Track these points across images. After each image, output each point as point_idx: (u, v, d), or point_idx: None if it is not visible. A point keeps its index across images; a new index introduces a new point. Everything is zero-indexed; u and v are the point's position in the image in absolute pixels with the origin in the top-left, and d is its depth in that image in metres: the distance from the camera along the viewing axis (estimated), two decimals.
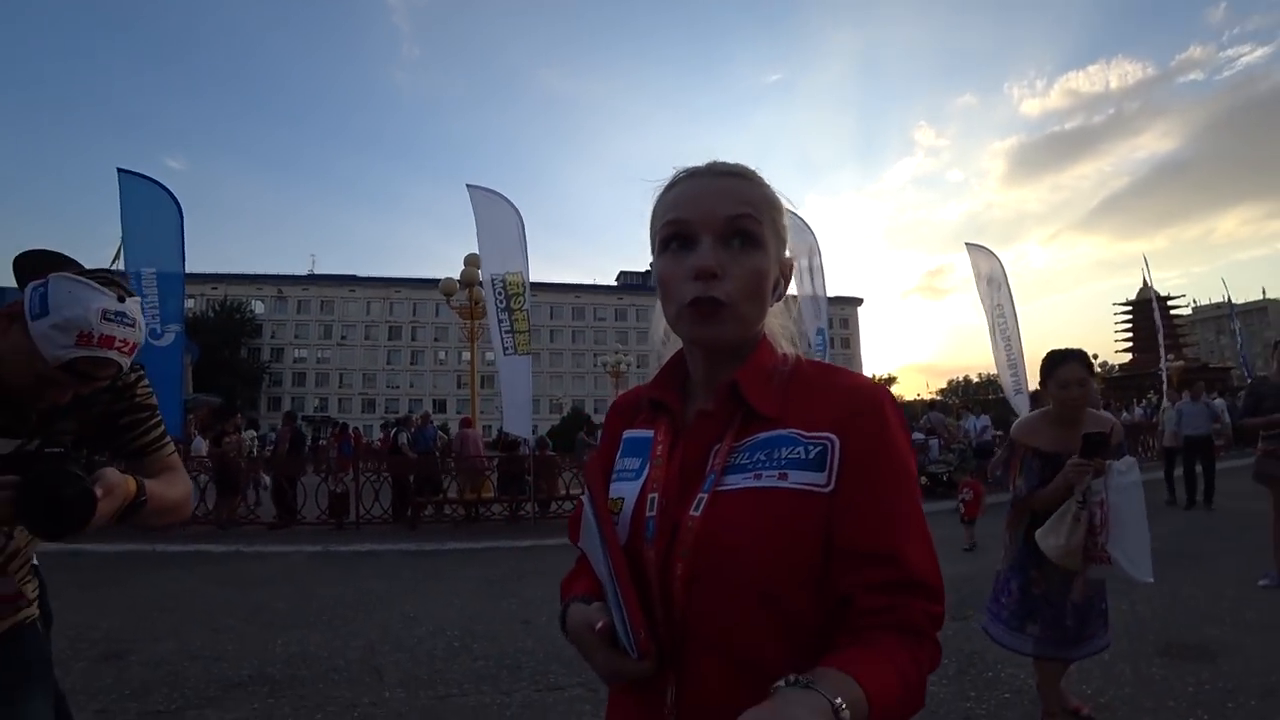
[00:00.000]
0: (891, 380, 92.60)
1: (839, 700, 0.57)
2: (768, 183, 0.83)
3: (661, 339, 0.91)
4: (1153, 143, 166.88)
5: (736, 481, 0.74)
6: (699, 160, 0.84)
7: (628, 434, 0.90)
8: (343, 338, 72.30)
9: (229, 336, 62.27)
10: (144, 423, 1.35)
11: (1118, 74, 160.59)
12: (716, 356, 0.82)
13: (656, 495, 0.78)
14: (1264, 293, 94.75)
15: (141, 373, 1.37)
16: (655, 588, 0.74)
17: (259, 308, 70.18)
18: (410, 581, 6.26)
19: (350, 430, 18.90)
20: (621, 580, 0.71)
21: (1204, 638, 3.84)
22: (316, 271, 74.77)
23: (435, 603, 5.36)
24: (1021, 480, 2.75)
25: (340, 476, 10.48)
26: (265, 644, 4.35)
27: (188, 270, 9.74)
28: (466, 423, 12.29)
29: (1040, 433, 2.76)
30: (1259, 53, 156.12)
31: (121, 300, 1.14)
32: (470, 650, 4.18)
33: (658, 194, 0.84)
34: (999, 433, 13.17)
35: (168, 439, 1.41)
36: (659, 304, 0.85)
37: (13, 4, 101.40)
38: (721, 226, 0.77)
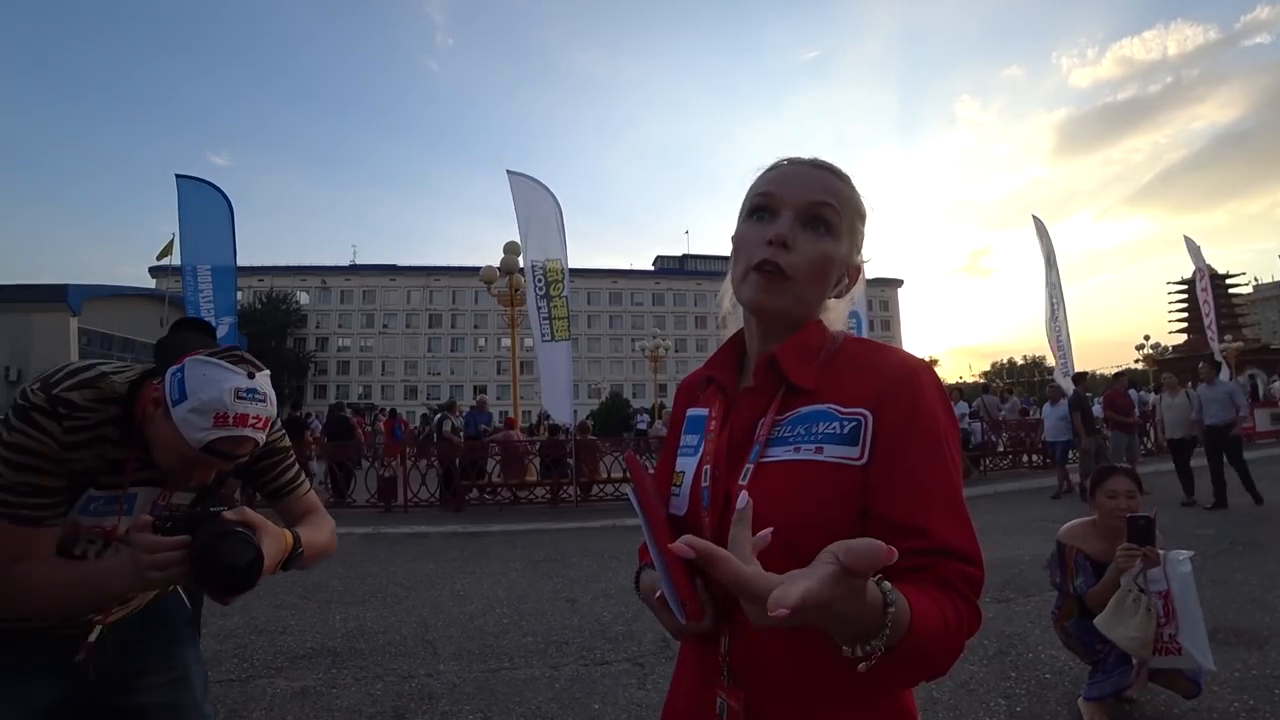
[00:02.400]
0: (934, 362, 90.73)
1: (889, 590, 0.61)
2: (859, 190, 0.90)
3: (728, 309, 0.98)
4: (1213, 112, 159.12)
5: (778, 454, 0.81)
6: (790, 152, 0.91)
7: (690, 411, 0.98)
8: (385, 326, 73.84)
9: (276, 327, 64.12)
10: (278, 464, 1.43)
11: (1176, 39, 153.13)
12: (769, 329, 0.88)
13: (709, 468, 0.86)
14: None
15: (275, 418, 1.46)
16: None
17: (304, 299, 72.06)
18: (458, 561, 6.48)
19: (399, 416, 19.40)
20: (667, 555, 0.78)
21: (1255, 624, 3.78)
22: (358, 262, 76.42)
23: (484, 581, 5.55)
24: (1080, 580, 2.83)
25: (389, 461, 10.84)
26: (325, 619, 4.59)
27: (237, 264, 10.14)
28: (509, 423, 12.58)
29: (1087, 542, 2.86)
30: None
31: (251, 376, 1.16)
32: (519, 626, 4.35)
33: (758, 173, 0.92)
34: (975, 422, 12.87)
35: (303, 479, 1.49)
36: (728, 275, 0.92)
37: (71, 21, 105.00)
38: (804, 208, 0.84)
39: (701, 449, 0.89)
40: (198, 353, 1.14)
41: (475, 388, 58.66)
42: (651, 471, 1.00)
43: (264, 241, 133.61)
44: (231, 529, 1.09)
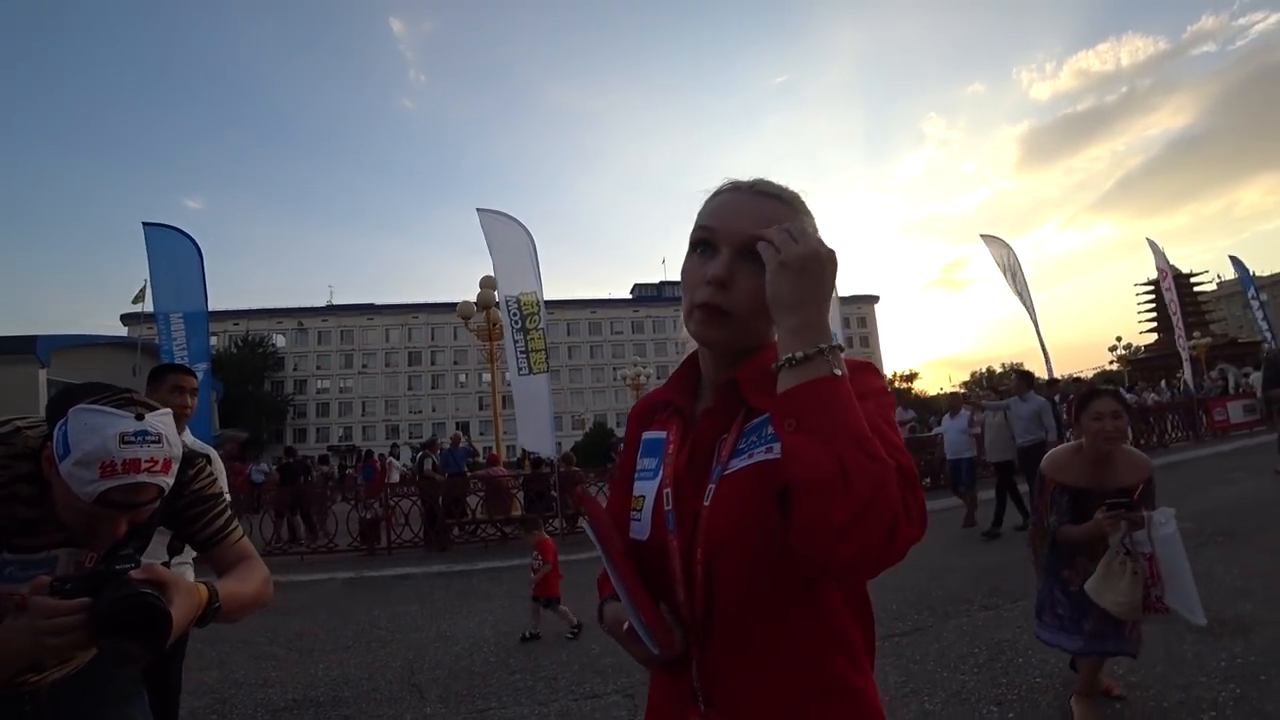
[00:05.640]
0: (913, 376, 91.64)
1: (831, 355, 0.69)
2: (810, 212, 0.89)
3: (685, 337, 0.96)
4: (1167, 119, 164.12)
5: (736, 465, 0.81)
6: (738, 175, 0.90)
7: (646, 435, 0.97)
8: (364, 366, 73.18)
9: (252, 371, 63.37)
10: (205, 514, 1.36)
11: (1129, 51, 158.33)
12: (722, 357, 0.88)
13: (670, 490, 0.86)
14: None
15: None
16: (679, 574, 0.82)
17: (280, 341, 71.35)
18: (444, 602, 6.36)
19: (376, 457, 19.12)
20: (630, 585, 0.79)
21: (1238, 613, 3.82)
22: (335, 302, 76.01)
23: (470, 621, 5.45)
24: (1053, 516, 2.83)
25: (370, 503, 10.67)
26: (307, 669, 4.47)
27: (210, 308, 10.05)
28: (493, 459, 12.45)
29: (1071, 468, 2.83)
30: (1273, 19, 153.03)
31: (140, 418, 1.09)
32: (507, 664, 4.26)
33: (705, 199, 0.90)
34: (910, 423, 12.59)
35: (234, 527, 1.40)
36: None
37: (39, 65, 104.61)
38: (742, 242, 0.81)
39: (661, 472, 0.89)
40: (81, 401, 1.08)
41: (458, 424, 58.10)
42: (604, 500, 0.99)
43: (239, 284, 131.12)
44: (136, 589, 1.00)
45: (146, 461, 1.08)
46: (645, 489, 0.90)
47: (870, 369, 0.83)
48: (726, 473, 0.81)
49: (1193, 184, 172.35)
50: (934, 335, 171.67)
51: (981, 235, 14.72)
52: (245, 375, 60.48)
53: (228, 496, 2.80)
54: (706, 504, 0.81)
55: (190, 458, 1.33)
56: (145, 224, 9.73)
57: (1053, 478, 2.85)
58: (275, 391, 67.81)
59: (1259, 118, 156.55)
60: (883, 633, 4.17)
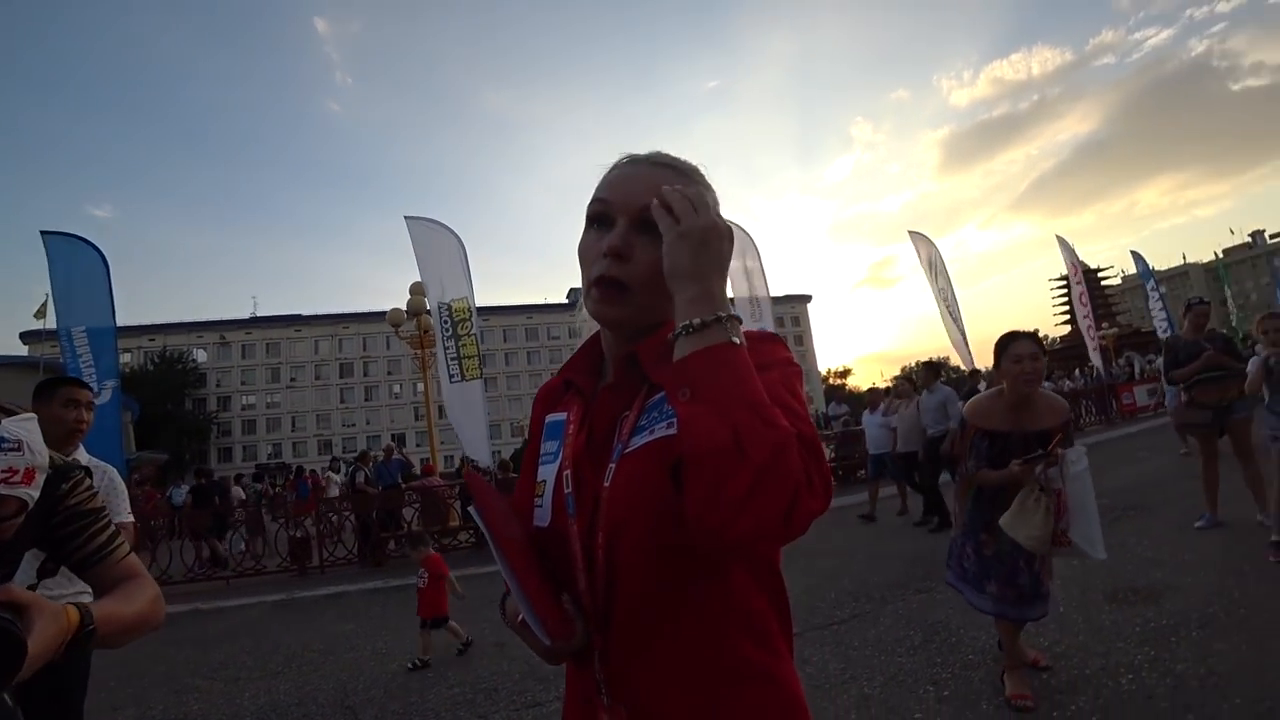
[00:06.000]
0: (847, 372, 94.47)
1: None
2: (709, 185, 0.86)
3: (585, 318, 0.94)
4: (1074, 125, 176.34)
5: (637, 442, 0.78)
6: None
7: (549, 418, 0.93)
8: (292, 380, 70.31)
9: (171, 389, 60.03)
10: (83, 531, 1.25)
11: (1039, 61, 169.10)
12: (623, 334, 0.84)
13: (569, 472, 0.81)
14: (1184, 258, 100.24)
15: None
16: (580, 559, 0.77)
17: (201, 356, 67.84)
18: (379, 619, 6.13)
19: (307, 474, 18.37)
20: (519, 573, 0.73)
21: (1150, 580, 4.04)
22: (259, 314, 72.69)
23: (407, 637, 5.25)
24: (971, 460, 2.89)
25: (300, 521, 10.21)
26: (232, 699, 4.21)
27: (122, 323, 9.46)
28: (429, 469, 12.18)
29: (993, 413, 2.88)
30: (1164, 34, 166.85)
31: None
32: (446, 679, 4.12)
33: (602, 173, 0.87)
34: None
35: (118, 543, 1.28)
36: None
37: None
38: (638, 212, 0.78)
39: (561, 454, 0.85)
40: None
41: (393, 436, 56.47)
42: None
43: (154, 297, 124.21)
44: None
45: (3, 471, 0.98)
46: (546, 473, 0.86)
47: (774, 339, 0.81)
48: (627, 451, 0.77)
49: (1098, 185, 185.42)
50: (865, 332, 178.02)
51: (909, 232, 15.25)
52: (163, 393, 57.23)
53: (130, 517, 2.60)
54: (607, 485, 0.77)
55: (65, 470, 1.21)
56: (44, 233, 9.11)
57: (974, 423, 2.90)
58: (197, 409, 64.44)
59: (1154, 125, 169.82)
60: (822, 621, 4.24)
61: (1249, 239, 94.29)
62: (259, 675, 4.67)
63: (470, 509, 0.80)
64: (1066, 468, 2.68)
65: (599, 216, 0.82)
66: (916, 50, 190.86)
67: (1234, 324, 37.42)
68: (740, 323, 0.69)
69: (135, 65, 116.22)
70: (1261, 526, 4.76)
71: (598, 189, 0.84)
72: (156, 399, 53.02)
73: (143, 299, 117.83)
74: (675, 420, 0.70)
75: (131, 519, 2.67)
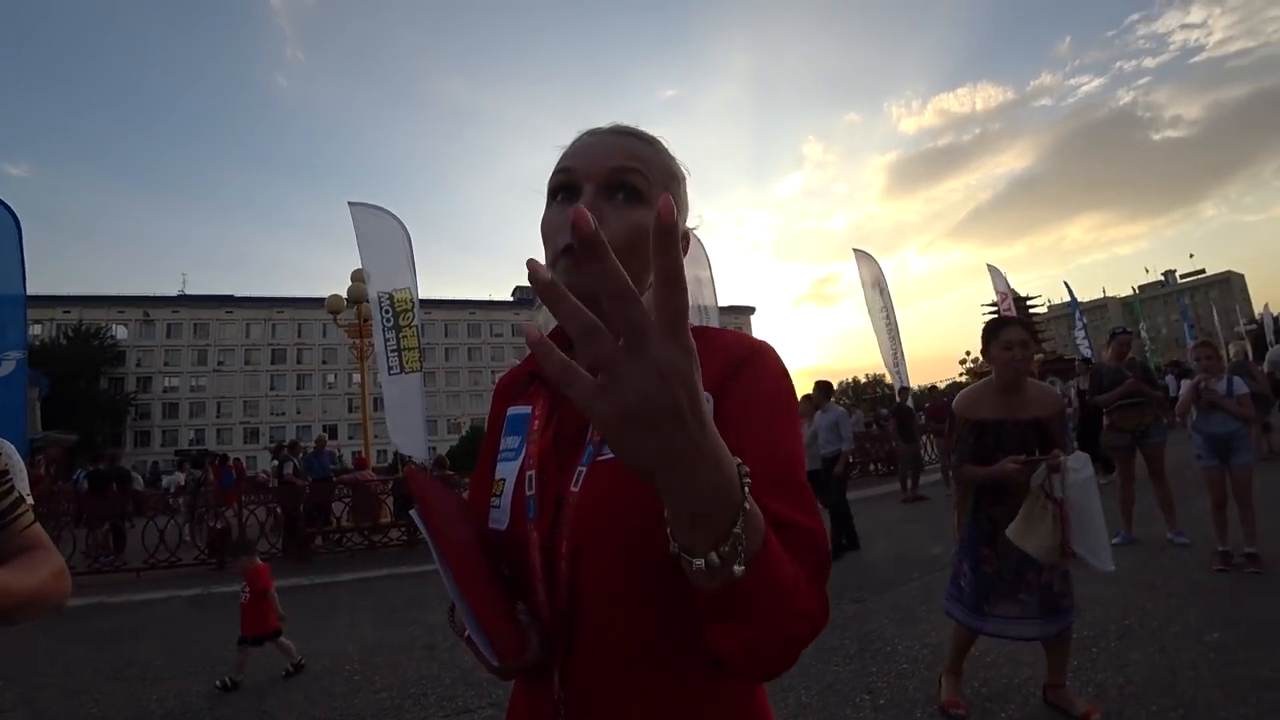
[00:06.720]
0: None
1: (745, 471, 0.51)
2: (674, 155, 0.81)
3: (548, 318, 0.86)
4: (1012, 160, 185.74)
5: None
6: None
7: (511, 411, 0.85)
8: (220, 363, 67.11)
9: (86, 366, 56.36)
10: None
11: (983, 96, 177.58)
12: (598, 311, 0.77)
13: (533, 473, 0.74)
14: (1104, 291, 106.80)
15: None
16: (539, 569, 0.70)
17: (121, 333, 64.07)
18: (303, 618, 5.84)
19: (231, 461, 17.53)
20: (463, 584, 0.65)
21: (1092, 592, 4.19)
22: (188, 291, 69.18)
23: (331, 637, 5.04)
24: (955, 455, 2.79)
25: (221, 512, 9.72)
26: (137, 701, 3.94)
27: (33, 292, 8.80)
28: (361, 462, 11.82)
29: (982, 403, 2.77)
30: (1096, 83, 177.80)
31: None
32: (371, 682, 3.96)
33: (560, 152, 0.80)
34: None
35: (21, 510, 1.14)
36: None
37: None
38: (605, 176, 0.74)
39: (524, 452, 0.77)
40: None
41: (325, 427, 54.48)
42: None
43: (73, 267, 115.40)
44: None
45: None
46: (506, 471, 0.78)
47: (770, 355, 0.75)
48: (601, 457, 0.70)
49: (1030, 219, 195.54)
50: (805, 347, 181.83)
51: (855, 250, 15.61)
52: (78, 370, 53.69)
53: (29, 498, 2.38)
54: (575, 490, 0.70)
55: None
56: None
57: (964, 415, 2.78)
58: (114, 389, 60.77)
59: (1083, 166, 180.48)
60: None
61: (1161, 277, 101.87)
62: (169, 675, 4.39)
63: (411, 512, 0.71)
64: (1068, 475, 2.54)
65: (563, 186, 0.76)
66: (870, 76, 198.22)
67: (1147, 355, 39.98)
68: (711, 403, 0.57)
69: (59, 13, 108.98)
70: (1171, 544, 5.05)
71: (560, 160, 0.78)
72: (70, 376, 49.73)
73: (58, 267, 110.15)
74: None
75: (30, 501, 2.44)
